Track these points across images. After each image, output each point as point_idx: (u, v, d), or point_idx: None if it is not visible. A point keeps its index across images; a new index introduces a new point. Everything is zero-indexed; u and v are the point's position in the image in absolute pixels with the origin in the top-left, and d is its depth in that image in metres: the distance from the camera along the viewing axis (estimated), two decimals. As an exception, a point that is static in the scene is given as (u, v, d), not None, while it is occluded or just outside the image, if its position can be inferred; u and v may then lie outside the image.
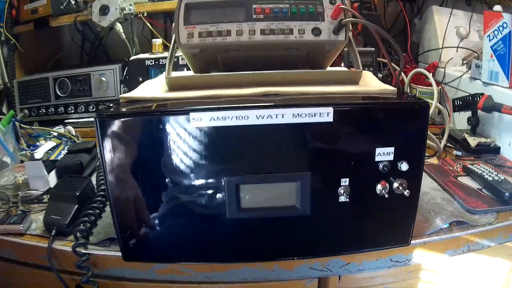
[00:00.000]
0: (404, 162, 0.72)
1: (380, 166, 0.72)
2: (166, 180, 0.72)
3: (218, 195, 0.72)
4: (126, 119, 0.69)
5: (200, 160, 0.70)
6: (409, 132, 0.72)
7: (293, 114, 0.67)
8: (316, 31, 0.82)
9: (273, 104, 0.68)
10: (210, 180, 0.71)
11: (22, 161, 1.21)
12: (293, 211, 0.74)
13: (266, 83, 0.78)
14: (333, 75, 0.85)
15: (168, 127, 0.68)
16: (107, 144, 0.69)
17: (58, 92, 1.60)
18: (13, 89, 1.65)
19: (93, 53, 1.98)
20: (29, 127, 1.43)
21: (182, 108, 0.69)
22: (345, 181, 0.72)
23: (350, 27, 1.38)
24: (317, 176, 0.72)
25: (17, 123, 1.35)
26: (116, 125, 0.68)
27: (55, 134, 1.43)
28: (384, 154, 0.71)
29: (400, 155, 0.72)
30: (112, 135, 0.68)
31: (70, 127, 1.47)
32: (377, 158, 0.71)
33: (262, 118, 0.67)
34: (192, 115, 0.67)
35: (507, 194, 0.93)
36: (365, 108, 0.72)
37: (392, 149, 0.71)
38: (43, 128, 1.48)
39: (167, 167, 0.71)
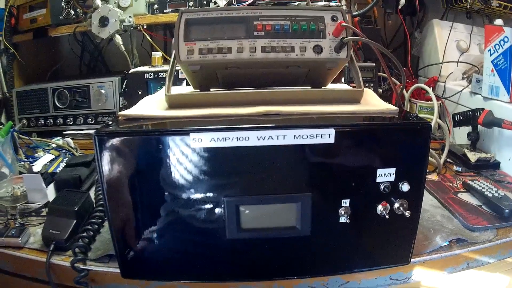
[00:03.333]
0: (405, 183, 0.71)
1: (382, 187, 0.71)
2: (166, 199, 0.71)
3: (218, 215, 0.72)
4: (125, 137, 0.68)
5: (200, 180, 0.70)
6: (411, 152, 0.72)
7: (294, 136, 0.67)
8: (318, 49, 0.81)
9: (274, 125, 0.68)
10: (210, 200, 0.71)
11: (20, 172, 1.21)
12: (293, 231, 0.73)
13: (266, 101, 0.78)
14: (334, 94, 0.85)
15: (167, 147, 0.68)
16: (106, 161, 0.68)
17: (57, 103, 1.60)
18: (12, 98, 1.65)
19: (92, 64, 1.99)
20: (27, 138, 1.43)
21: (182, 128, 0.68)
22: (345, 202, 0.72)
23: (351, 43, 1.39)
24: (318, 197, 0.72)
25: (15, 134, 1.34)
26: (114, 144, 0.68)
27: (54, 145, 1.42)
28: (385, 175, 0.71)
29: (401, 175, 0.71)
30: (110, 153, 0.68)
31: (69, 139, 1.47)
32: (378, 179, 0.71)
33: (263, 139, 0.67)
34: (192, 135, 0.67)
35: (507, 210, 0.93)
36: (366, 129, 0.71)
37: (393, 170, 0.71)
38: (41, 139, 1.47)
39: (167, 186, 0.71)
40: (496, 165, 1.23)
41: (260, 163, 0.70)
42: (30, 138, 1.45)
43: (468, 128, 1.32)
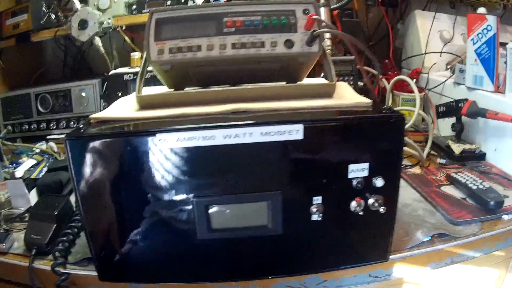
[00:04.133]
0: (379, 178, 0.70)
1: (354, 182, 0.70)
2: (137, 201, 0.71)
3: (189, 216, 0.71)
4: (94, 141, 0.68)
5: (169, 181, 0.69)
6: (385, 146, 0.71)
7: (261, 133, 0.66)
8: (289, 43, 0.80)
9: (240, 123, 0.67)
10: (180, 201, 0.71)
11: (5, 179, 1.20)
12: (264, 230, 0.73)
13: (237, 99, 0.77)
14: (306, 89, 0.84)
15: (135, 148, 0.68)
16: (77, 165, 0.68)
17: (40, 108, 1.59)
18: (-4, 105, 1.64)
19: (75, 67, 1.97)
20: (11, 144, 1.44)
21: (149, 129, 0.68)
22: (317, 199, 0.71)
23: (330, 37, 1.38)
24: (289, 194, 0.71)
25: (0, 140, 1.36)
26: (85, 147, 0.68)
27: (38, 150, 1.42)
28: (358, 171, 0.70)
29: (375, 170, 0.70)
30: (81, 156, 0.68)
31: (52, 144, 1.46)
32: (351, 175, 0.70)
33: (230, 137, 0.66)
34: (159, 136, 0.66)
35: (492, 202, 0.91)
36: (336, 123, 0.70)
37: (366, 165, 0.70)
38: (25, 144, 1.48)
39: (137, 188, 0.70)
40: (481, 156, 1.21)
41: (229, 162, 0.69)
42: (15, 144, 1.45)
43: (453, 120, 1.30)
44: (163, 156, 0.68)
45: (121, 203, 0.72)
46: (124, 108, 0.84)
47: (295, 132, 0.66)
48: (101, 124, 0.75)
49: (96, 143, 0.68)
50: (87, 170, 0.69)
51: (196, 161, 0.69)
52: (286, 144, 0.67)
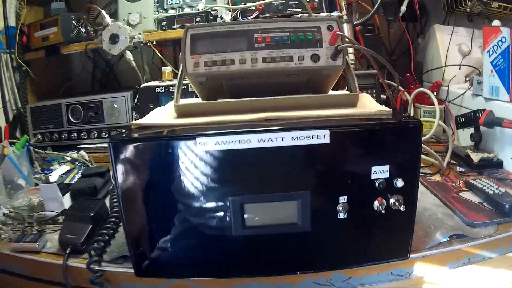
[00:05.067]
0: (399, 179, 0.75)
1: (377, 183, 0.75)
2: (176, 201, 0.76)
3: (224, 214, 0.77)
4: (137, 144, 0.74)
5: (207, 181, 0.75)
6: (403, 150, 0.76)
7: (292, 137, 0.72)
8: (315, 57, 0.86)
9: (273, 128, 0.73)
10: (217, 200, 0.76)
11: (36, 184, 1.25)
12: (294, 228, 0.78)
13: (268, 109, 0.83)
14: (332, 99, 0.89)
15: (176, 151, 0.74)
16: (120, 166, 0.74)
17: (71, 118, 1.65)
18: (26, 114, 1.70)
19: (104, 80, 2.04)
20: (43, 151, 1.48)
21: (189, 134, 0.74)
22: (343, 199, 0.76)
23: (353, 51, 1.43)
24: (316, 194, 0.76)
25: (31, 147, 1.40)
26: (128, 150, 0.74)
27: (69, 158, 1.47)
28: (379, 172, 0.75)
29: (395, 172, 0.75)
30: (124, 159, 0.74)
31: (83, 152, 1.51)
32: (373, 176, 0.75)
33: (264, 141, 0.72)
34: (199, 139, 0.72)
35: (507, 206, 0.95)
36: (359, 129, 0.76)
37: (387, 167, 0.75)
38: (56, 152, 1.52)
39: (176, 189, 0.76)
40: (499, 164, 1.25)
41: (262, 164, 0.75)
42: (46, 151, 1.50)
43: (471, 130, 1.34)
44: (202, 159, 0.73)
45: (159, 203, 0.77)
46: (162, 116, 0.90)
47: (322, 136, 0.72)
48: (141, 130, 0.81)
49: (138, 146, 0.74)
50: (128, 171, 0.74)
51: (232, 163, 0.74)
52: (315, 147, 0.73)
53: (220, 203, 0.76)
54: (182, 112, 0.87)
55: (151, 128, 0.82)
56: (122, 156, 0.74)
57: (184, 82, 1.36)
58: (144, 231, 0.79)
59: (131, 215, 0.78)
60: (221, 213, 0.77)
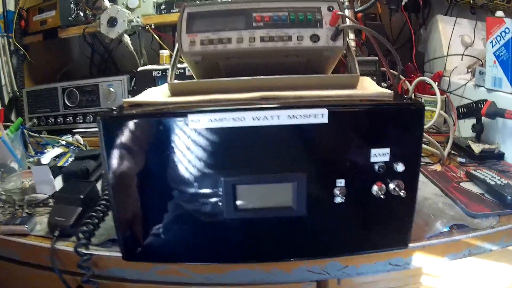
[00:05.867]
0: (400, 163, 0.72)
1: (376, 167, 0.72)
2: (166, 181, 0.73)
3: (216, 196, 0.74)
4: (128, 120, 0.71)
5: (199, 161, 0.72)
6: (404, 133, 0.73)
7: (288, 116, 0.69)
8: (315, 38, 0.84)
9: (269, 106, 0.70)
10: (209, 181, 0.73)
11: (29, 168, 1.23)
12: (289, 211, 0.75)
13: (265, 88, 0.80)
14: (331, 80, 0.86)
15: (167, 129, 0.70)
16: (110, 145, 0.71)
17: (66, 102, 1.63)
18: (22, 98, 1.69)
19: (102, 65, 2.02)
20: (37, 135, 1.47)
21: (181, 111, 0.71)
22: (340, 182, 0.73)
23: (354, 36, 1.41)
24: (313, 177, 0.73)
25: (25, 131, 1.39)
26: (118, 127, 0.71)
27: (64, 142, 1.46)
28: (379, 155, 0.72)
29: (395, 156, 0.72)
30: (114, 137, 0.71)
31: (78, 136, 1.50)
32: (373, 159, 0.72)
33: (258, 119, 0.69)
34: (190, 117, 0.69)
35: (509, 197, 0.93)
36: (359, 109, 0.73)
37: (387, 150, 0.72)
38: (51, 136, 1.51)
39: (167, 168, 0.73)
40: (500, 155, 1.23)
41: (257, 143, 0.71)
42: (40, 135, 1.49)
43: (473, 121, 1.32)
44: (194, 137, 0.70)
45: (150, 183, 0.74)
46: (156, 94, 0.87)
47: (320, 116, 0.69)
48: (133, 108, 0.77)
49: (128, 124, 0.71)
50: (118, 150, 0.71)
51: (226, 142, 0.71)
52: (312, 127, 0.70)
53: (212, 185, 0.73)
54: (176, 90, 0.84)
55: (143, 106, 0.78)
56: (112, 134, 0.71)
57: (183, 66, 1.35)
58: (133, 213, 0.76)
59: (120, 196, 0.75)
60: (213, 195, 0.74)
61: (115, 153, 0.72)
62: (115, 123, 0.71)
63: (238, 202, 0.74)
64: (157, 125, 0.71)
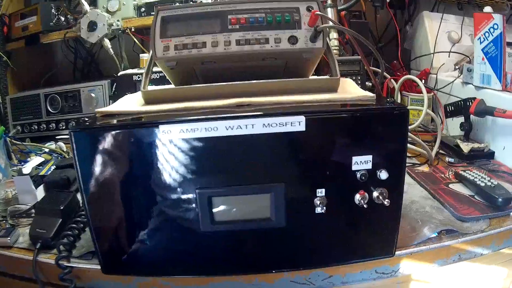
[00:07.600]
0: (383, 171, 0.70)
1: (358, 175, 0.70)
2: (141, 194, 0.71)
3: (192, 209, 0.71)
4: (98, 132, 0.69)
5: (173, 172, 0.69)
6: (388, 139, 0.70)
7: (264, 124, 0.66)
8: (293, 39, 0.81)
9: (242, 114, 0.67)
10: (184, 193, 0.71)
11: (13, 177, 1.20)
12: (267, 223, 0.72)
13: (242, 94, 0.77)
14: (310, 84, 0.84)
15: (139, 141, 0.68)
16: (82, 156, 0.69)
17: (49, 109, 1.61)
18: (6, 105, 1.66)
19: (85, 69, 2.00)
20: (20, 143, 1.45)
21: (153, 121, 0.68)
22: (321, 192, 0.70)
23: (337, 35, 1.38)
24: (292, 187, 0.70)
25: (8, 139, 1.36)
26: (90, 139, 0.69)
27: (46, 150, 1.44)
28: (361, 163, 0.69)
29: (379, 163, 0.70)
30: (86, 148, 0.69)
31: (61, 143, 1.48)
32: (354, 167, 0.70)
33: (232, 129, 0.66)
34: (162, 127, 0.66)
35: (500, 199, 0.90)
36: (338, 115, 0.70)
37: (370, 157, 0.69)
38: (34, 144, 1.49)
39: (141, 181, 0.71)
40: (490, 155, 1.21)
41: (232, 154, 0.69)
42: (23, 143, 1.46)
43: (461, 119, 1.30)
44: (167, 148, 0.68)
45: (125, 196, 0.72)
46: (130, 103, 0.85)
47: (297, 123, 0.66)
48: (105, 118, 0.75)
49: (100, 135, 0.68)
50: (91, 162, 0.69)
51: (199, 153, 0.68)
52: (289, 136, 0.67)
53: (187, 197, 0.70)
54: (149, 98, 0.81)
55: (116, 116, 0.76)
56: (84, 146, 0.69)
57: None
58: (109, 226, 0.74)
59: (95, 209, 0.72)
60: (189, 208, 0.71)
61: (88, 165, 0.69)
62: (87, 135, 0.69)
63: (215, 215, 0.71)
64: (129, 137, 0.68)
